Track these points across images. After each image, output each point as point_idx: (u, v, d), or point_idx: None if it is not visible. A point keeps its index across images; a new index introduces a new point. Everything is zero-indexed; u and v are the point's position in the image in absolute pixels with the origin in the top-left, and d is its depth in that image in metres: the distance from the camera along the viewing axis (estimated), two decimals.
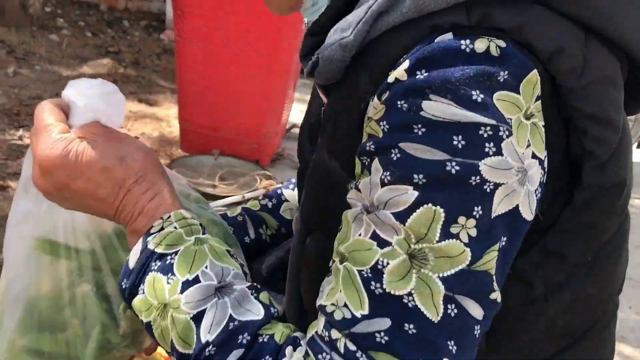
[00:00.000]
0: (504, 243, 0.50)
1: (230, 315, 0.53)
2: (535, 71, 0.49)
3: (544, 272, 0.56)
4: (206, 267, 0.55)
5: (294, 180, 0.92)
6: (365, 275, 0.50)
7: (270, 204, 0.88)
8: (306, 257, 0.65)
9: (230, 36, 1.99)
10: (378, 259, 0.49)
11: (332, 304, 0.51)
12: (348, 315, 0.50)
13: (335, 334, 0.50)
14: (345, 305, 0.50)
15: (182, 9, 1.97)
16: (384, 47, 0.52)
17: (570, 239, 0.56)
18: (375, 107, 0.51)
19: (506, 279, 0.54)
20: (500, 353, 0.59)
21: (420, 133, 0.48)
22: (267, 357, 0.51)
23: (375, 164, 0.51)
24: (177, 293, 0.53)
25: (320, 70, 0.55)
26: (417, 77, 0.49)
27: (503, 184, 0.48)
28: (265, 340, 0.52)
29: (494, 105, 0.48)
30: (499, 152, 0.48)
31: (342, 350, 0.49)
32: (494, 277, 0.50)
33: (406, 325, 0.48)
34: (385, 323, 0.49)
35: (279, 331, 0.53)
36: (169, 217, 0.57)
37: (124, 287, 0.57)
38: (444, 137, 0.48)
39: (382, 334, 0.48)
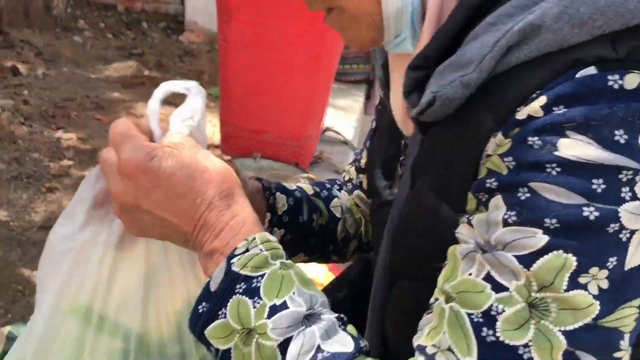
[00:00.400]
0: (638, 301, 0.46)
1: (319, 346, 0.50)
2: None
3: None
4: (294, 293, 0.52)
5: (338, 182, 0.91)
6: (476, 320, 0.46)
7: (322, 194, 0.85)
8: (393, 301, 0.63)
9: (275, 41, 2.02)
10: (492, 304, 0.46)
11: (434, 345, 0.49)
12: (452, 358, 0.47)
13: None
14: (450, 350, 0.47)
15: (229, 14, 2.00)
16: (512, 82, 0.48)
17: None
18: (497, 144, 0.48)
19: None
20: None
21: (554, 173, 0.45)
22: None
23: (496, 201, 0.48)
24: (264, 318, 0.51)
25: (435, 109, 0.51)
26: (555, 113, 0.45)
27: (636, 230, 0.45)
28: None
29: (638, 147, 0.45)
30: (634, 197, 0.45)
31: None
32: (626, 335, 0.46)
33: None
34: None
35: None
36: (254, 238, 0.54)
37: (200, 311, 0.53)
38: (582, 180, 0.45)
39: None
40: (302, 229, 0.81)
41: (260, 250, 0.54)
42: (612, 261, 0.45)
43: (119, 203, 0.56)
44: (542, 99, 0.46)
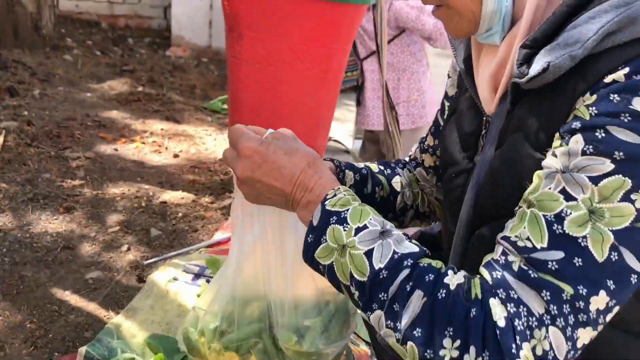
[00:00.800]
0: None
1: (394, 249, 0.68)
2: None
3: None
4: (370, 219, 0.71)
5: (402, 161, 1.05)
6: (549, 219, 0.61)
7: (386, 172, 1.03)
8: (477, 242, 0.78)
9: (285, 57, 2.09)
10: (563, 209, 0.61)
11: (516, 236, 0.63)
12: (529, 245, 0.61)
13: (511, 258, 0.63)
14: (528, 239, 0.62)
15: (241, 32, 2.06)
16: (605, 59, 0.62)
17: None
18: (585, 99, 0.62)
19: None
20: None
21: (626, 120, 0.59)
22: (430, 275, 0.65)
23: (577, 137, 0.61)
24: (352, 237, 0.69)
25: (545, 76, 0.65)
26: (634, 79, 0.59)
27: None
28: (425, 265, 0.67)
29: None
30: None
31: (515, 269, 0.62)
32: None
33: (576, 259, 0.59)
34: (559, 255, 0.60)
35: (435, 262, 0.68)
36: (338, 188, 0.75)
37: (309, 240, 0.72)
38: None
39: (555, 262, 0.60)
40: (365, 199, 0.95)
41: (344, 194, 0.73)
42: None
43: (241, 178, 0.77)
44: (626, 69, 0.60)
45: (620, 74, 0.60)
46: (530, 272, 0.61)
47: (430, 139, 1.05)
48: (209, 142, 3.06)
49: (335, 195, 0.73)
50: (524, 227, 0.63)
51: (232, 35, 2.11)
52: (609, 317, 0.61)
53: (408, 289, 0.65)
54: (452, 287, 0.64)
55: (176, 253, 1.86)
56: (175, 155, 2.79)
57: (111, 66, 4.15)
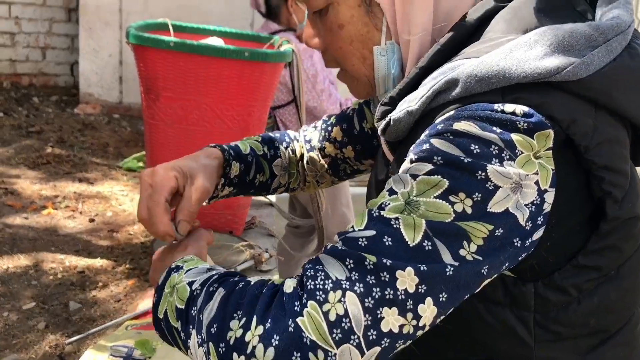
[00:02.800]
0: (498, 233, 0.64)
1: (215, 273, 0.72)
2: (550, 130, 0.65)
3: (577, 281, 0.72)
4: (201, 265, 0.76)
5: (287, 138, 1.10)
6: (372, 210, 0.66)
7: (268, 155, 1.07)
8: None
9: (205, 116, 2.07)
10: (384, 201, 0.66)
11: (346, 230, 0.67)
12: (350, 229, 0.66)
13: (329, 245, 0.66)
14: (352, 227, 0.66)
15: (158, 93, 2.03)
16: (437, 113, 0.69)
17: (597, 258, 0.73)
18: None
19: (547, 288, 0.71)
20: (548, 349, 0.74)
21: (448, 136, 0.65)
22: (235, 277, 0.69)
23: (410, 154, 0.68)
24: (182, 276, 0.73)
25: (390, 129, 0.74)
26: (459, 110, 0.66)
27: (501, 187, 0.63)
28: (249, 279, 0.69)
29: (510, 137, 0.64)
30: (502, 165, 0.64)
31: (329, 247, 0.65)
32: (471, 242, 0.63)
33: (386, 237, 0.63)
34: (370, 233, 0.64)
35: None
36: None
37: (154, 301, 0.76)
38: (464, 143, 0.64)
39: (365, 239, 0.63)
40: (246, 185, 1.04)
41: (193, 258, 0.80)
42: (477, 196, 0.63)
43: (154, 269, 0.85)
44: (452, 111, 0.67)
45: (446, 114, 0.69)
46: (339, 246, 0.64)
47: (338, 133, 1.10)
48: (126, 202, 2.96)
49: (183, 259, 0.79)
50: (354, 223, 0.67)
51: (149, 97, 2.07)
52: (426, 316, 0.63)
53: (211, 290, 0.68)
54: (253, 281, 0.68)
55: (100, 328, 1.76)
56: (91, 220, 2.68)
57: (16, 128, 3.96)
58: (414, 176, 0.65)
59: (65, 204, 2.83)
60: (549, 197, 0.67)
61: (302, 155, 1.13)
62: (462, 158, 0.64)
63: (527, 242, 0.67)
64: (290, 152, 1.12)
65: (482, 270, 0.65)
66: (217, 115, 2.08)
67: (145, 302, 1.95)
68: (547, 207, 0.67)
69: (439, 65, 0.73)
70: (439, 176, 0.63)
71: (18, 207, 2.64)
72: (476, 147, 0.64)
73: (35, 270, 2.12)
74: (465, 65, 0.68)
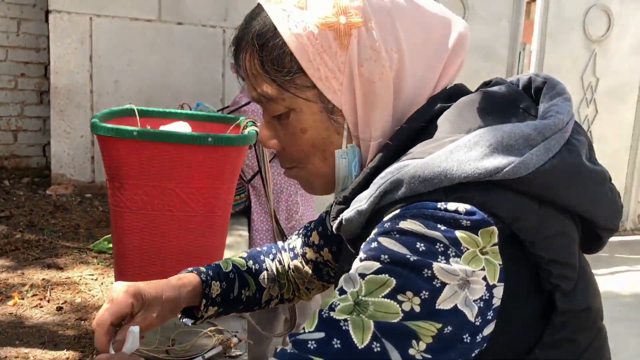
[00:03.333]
0: (447, 331, 0.65)
1: None
2: (493, 227, 0.68)
3: None
4: None
5: (274, 250, 1.13)
6: (323, 311, 0.69)
7: (253, 269, 1.11)
8: None
9: (171, 201, 2.09)
10: (334, 301, 0.69)
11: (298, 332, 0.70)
12: (301, 330, 0.69)
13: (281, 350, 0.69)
14: (304, 329, 0.69)
15: (122, 181, 2.05)
16: (385, 212, 0.74)
17: (554, 351, 0.74)
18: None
19: None
20: None
21: (394, 234, 0.69)
22: None
23: (360, 253, 0.71)
24: None
25: (344, 228, 0.79)
26: (404, 209, 0.71)
27: (447, 284, 0.66)
28: None
29: (455, 235, 0.67)
30: (447, 263, 0.66)
31: (279, 350, 0.68)
32: (420, 341, 0.65)
33: (335, 340, 0.65)
34: (319, 335, 0.66)
35: None
36: None
37: None
38: (410, 241, 0.68)
39: (314, 342, 0.66)
40: (232, 302, 1.07)
41: None
42: (425, 294, 0.66)
43: None
44: (398, 210, 0.72)
45: (393, 212, 0.73)
46: (288, 349, 0.67)
47: (315, 237, 1.13)
48: (96, 287, 2.92)
49: None
50: (305, 324, 0.70)
51: (114, 185, 2.09)
52: None
53: None
54: None
55: None
56: (59, 308, 2.63)
57: None
58: (363, 275, 0.68)
59: (32, 292, 2.79)
60: (498, 292, 0.69)
61: (289, 265, 1.16)
62: (408, 256, 0.66)
63: (478, 337, 0.69)
64: (278, 263, 1.15)
65: None
66: (183, 200, 2.10)
67: None
68: (496, 301, 0.70)
69: (388, 164, 0.78)
70: (387, 275, 0.66)
71: None
72: (422, 245, 0.67)
73: None
74: (409, 167, 0.72)
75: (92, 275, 3.03)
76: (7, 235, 3.51)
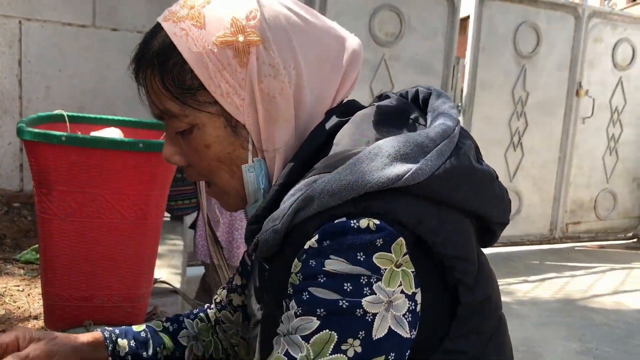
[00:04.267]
0: (391, 357, 0.72)
1: None
2: (401, 238, 0.74)
3: None
4: None
5: (196, 311, 1.13)
6: None
7: (171, 328, 1.12)
8: None
9: (100, 208, 2.04)
10: None
11: None
12: None
13: None
14: None
15: (50, 187, 1.99)
16: (302, 229, 0.77)
17: (463, 342, 0.81)
18: (295, 265, 0.76)
19: None
20: None
21: (322, 280, 0.73)
22: None
23: (293, 303, 0.75)
24: None
25: (260, 249, 0.80)
26: (323, 244, 0.74)
27: (377, 313, 0.71)
28: None
29: (373, 262, 0.73)
30: (372, 293, 0.72)
31: None
32: None
33: None
34: None
35: None
36: None
37: None
38: (338, 284, 0.72)
39: None
40: None
41: None
42: (362, 333, 0.71)
43: None
44: (316, 236, 0.75)
45: (313, 241, 0.75)
46: None
47: (237, 279, 1.15)
48: (22, 298, 2.81)
49: None
50: None
51: (41, 191, 2.02)
52: None
53: None
54: None
55: None
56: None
57: None
58: (306, 338, 0.72)
59: None
60: (418, 297, 0.76)
61: (216, 320, 1.16)
62: (340, 303, 0.72)
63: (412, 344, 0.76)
64: (199, 322, 1.15)
65: None
66: (113, 207, 2.06)
67: None
68: (419, 307, 0.76)
69: (294, 181, 0.81)
70: (327, 330, 0.72)
71: None
72: (348, 285, 0.72)
73: None
74: (318, 182, 0.76)
75: (18, 286, 2.92)
76: None
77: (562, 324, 4.07)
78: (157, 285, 2.67)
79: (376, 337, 0.71)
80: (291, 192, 0.79)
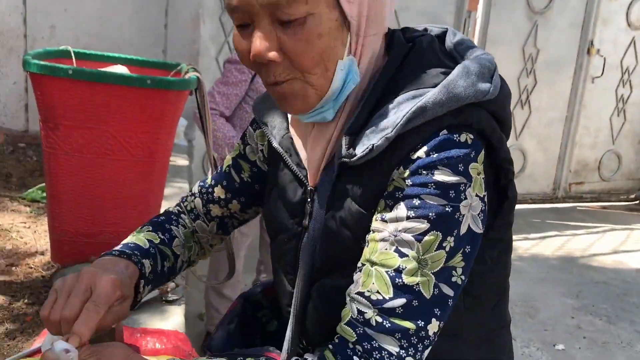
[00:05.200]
0: (468, 250, 0.84)
1: None
2: (482, 149, 0.85)
3: (490, 252, 0.93)
4: None
5: (172, 216, 1.11)
6: (391, 274, 0.82)
7: (165, 239, 1.10)
8: (317, 292, 0.95)
9: (108, 145, 2.04)
10: (399, 264, 0.82)
11: (368, 291, 0.83)
12: (380, 297, 0.82)
13: (368, 314, 0.82)
14: (378, 292, 0.82)
15: (56, 122, 1.98)
16: (408, 139, 0.83)
17: (503, 231, 0.95)
18: (400, 172, 0.83)
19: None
20: (473, 312, 0.95)
21: (432, 189, 0.81)
22: None
23: (401, 205, 0.82)
24: None
25: (370, 155, 0.84)
26: (431, 156, 0.82)
27: (464, 214, 0.83)
28: None
29: (469, 171, 0.83)
30: (466, 197, 0.82)
31: (373, 324, 0.82)
32: (457, 269, 0.84)
33: (414, 301, 0.81)
34: (402, 301, 0.81)
35: None
36: None
37: None
38: (445, 191, 0.81)
39: (400, 308, 0.81)
40: (159, 277, 1.06)
41: None
42: (457, 232, 0.83)
43: None
44: (424, 148, 0.82)
45: (421, 152, 0.82)
46: (384, 322, 0.81)
47: (220, 191, 1.14)
48: (28, 235, 2.85)
49: None
50: (373, 283, 0.83)
51: (47, 125, 2.02)
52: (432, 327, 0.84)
53: None
54: None
55: None
56: None
57: None
58: (417, 237, 0.81)
59: None
60: (486, 198, 0.87)
61: (193, 226, 1.16)
62: (447, 209, 0.81)
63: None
64: (183, 228, 1.16)
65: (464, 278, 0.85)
66: (121, 144, 2.05)
67: (42, 339, 1.86)
68: (486, 206, 0.87)
69: (384, 94, 0.88)
70: (435, 231, 0.81)
71: None
72: (452, 192, 0.82)
73: None
74: (429, 94, 0.83)
75: (24, 223, 2.95)
76: None
77: (561, 280, 4.11)
78: None
79: (462, 234, 0.82)
80: (391, 105, 0.85)
